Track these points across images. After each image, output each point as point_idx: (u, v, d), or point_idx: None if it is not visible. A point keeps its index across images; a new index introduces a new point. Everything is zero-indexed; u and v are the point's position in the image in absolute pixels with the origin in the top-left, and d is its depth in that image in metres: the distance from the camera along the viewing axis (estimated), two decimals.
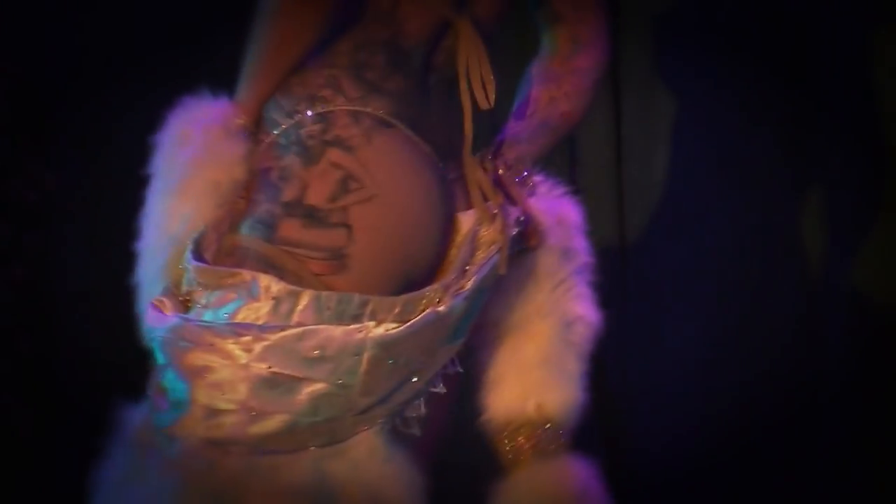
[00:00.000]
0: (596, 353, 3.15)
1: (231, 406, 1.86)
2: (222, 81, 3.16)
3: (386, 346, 1.88)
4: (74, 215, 3.24)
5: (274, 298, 1.86)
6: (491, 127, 2.16)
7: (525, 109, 2.15)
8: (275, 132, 1.96)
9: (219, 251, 1.93)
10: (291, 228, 1.90)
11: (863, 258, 3.09)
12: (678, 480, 3.15)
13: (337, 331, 1.85)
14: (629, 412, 3.24)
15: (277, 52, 1.96)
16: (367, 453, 1.90)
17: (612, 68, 3.11)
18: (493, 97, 2.01)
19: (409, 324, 1.88)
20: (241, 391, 1.86)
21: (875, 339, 3.07)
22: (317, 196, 1.90)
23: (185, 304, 1.92)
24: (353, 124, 1.93)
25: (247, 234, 1.92)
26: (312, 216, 1.90)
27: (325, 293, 1.86)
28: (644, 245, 3.26)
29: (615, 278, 3.23)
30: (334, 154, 1.92)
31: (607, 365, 3.24)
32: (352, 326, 1.86)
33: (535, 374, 2.06)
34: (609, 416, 3.24)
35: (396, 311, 1.89)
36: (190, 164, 1.94)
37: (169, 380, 1.89)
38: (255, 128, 1.98)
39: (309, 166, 1.91)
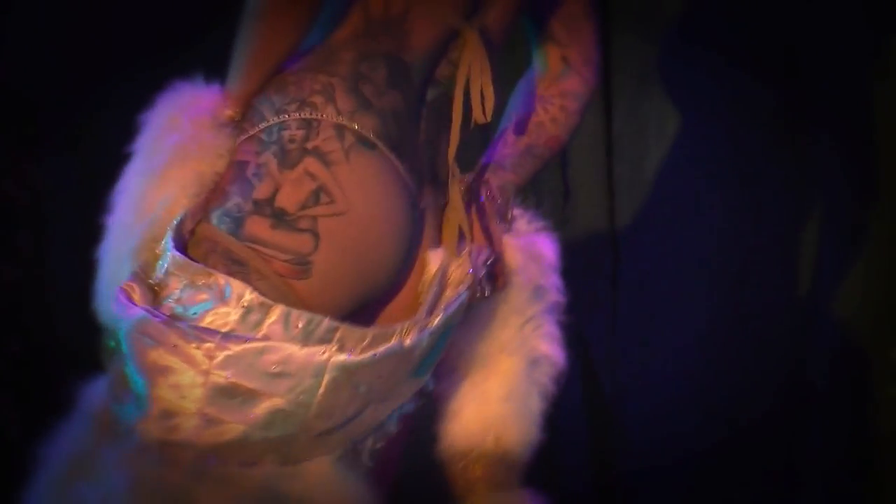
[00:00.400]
0: (587, 352, 3.18)
1: (187, 410, 1.85)
2: (215, 81, 3.18)
3: (347, 372, 1.87)
4: (66, 215, 3.23)
5: (244, 307, 1.85)
6: (482, 143, 2.17)
7: (509, 134, 2.15)
8: (259, 126, 1.94)
9: (191, 240, 1.92)
10: (259, 226, 1.89)
11: (854, 257, 3.09)
12: (667, 479, 3.15)
13: (300, 350, 1.85)
14: (619, 411, 3.25)
15: (269, 44, 1.94)
16: (322, 478, 1.90)
17: (603, 68, 3.11)
18: (490, 112, 2.00)
19: (372, 352, 1.88)
20: (199, 397, 1.84)
21: (866, 338, 3.08)
22: (287, 200, 1.89)
23: (154, 292, 1.91)
24: (335, 138, 1.92)
25: (215, 226, 1.91)
26: (281, 218, 1.89)
27: (295, 311, 1.85)
28: (635, 245, 3.27)
29: (606, 278, 3.24)
30: (312, 164, 1.91)
31: (597, 363, 3.24)
32: (315, 348, 1.85)
33: (497, 409, 2.07)
34: (599, 416, 3.24)
35: (365, 342, 1.89)
36: (175, 151, 1.93)
37: (130, 372, 1.88)
38: (243, 119, 1.97)
39: (284, 170, 1.90)
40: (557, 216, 3.15)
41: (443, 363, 2.06)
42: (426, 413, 2.09)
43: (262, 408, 1.85)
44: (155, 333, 1.85)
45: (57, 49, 3.21)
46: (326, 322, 1.86)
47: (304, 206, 1.89)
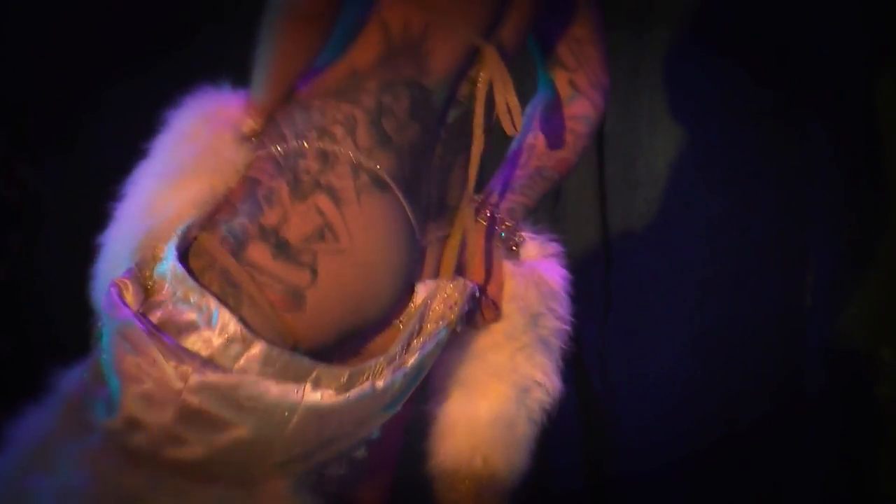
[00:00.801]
0: (579, 353, 3.19)
1: (153, 423, 1.86)
2: (207, 79, 3.18)
3: (318, 414, 1.88)
4: (57, 215, 3.23)
5: (227, 338, 1.86)
6: (489, 166, 2.17)
7: (519, 157, 2.15)
8: (278, 146, 1.95)
9: (192, 246, 1.92)
10: (261, 253, 1.89)
11: (848, 259, 3.10)
12: (658, 480, 3.15)
13: (274, 387, 1.85)
14: (610, 412, 3.25)
15: (289, 55, 1.94)
16: (277, 501, 1.91)
17: None
18: (519, 123, 1.99)
19: (345, 396, 1.89)
20: (167, 414, 1.85)
21: (857, 336, 3.08)
22: (293, 233, 1.89)
23: (146, 291, 1.91)
24: (349, 176, 1.92)
25: (218, 243, 1.91)
26: (283, 249, 1.89)
27: (276, 350, 1.86)
28: (627, 245, 3.27)
29: (597, 278, 3.24)
30: (322, 200, 1.91)
31: (589, 364, 3.24)
32: (290, 386, 1.86)
33: (485, 432, 2.07)
34: (590, 417, 3.24)
35: (342, 381, 1.90)
36: (191, 161, 1.94)
37: (107, 369, 1.89)
38: (263, 132, 1.97)
39: (295, 201, 1.90)
40: (548, 216, 3.15)
41: (432, 384, 2.08)
42: (417, 430, 2.10)
43: (227, 436, 1.86)
44: (137, 342, 1.86)
45: (48, 50, 3.20)
46: (306, 363, 1.87)
47: (307, 241, 1.89)
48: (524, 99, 2.07)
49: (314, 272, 1.89)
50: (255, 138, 1.96)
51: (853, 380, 3.09)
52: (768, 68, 3.14)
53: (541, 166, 2.15)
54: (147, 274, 1.91)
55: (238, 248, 1.89)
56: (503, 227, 2.12)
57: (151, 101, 3.15)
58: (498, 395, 2.08)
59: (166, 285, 1.89)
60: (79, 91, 3.19)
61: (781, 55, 3.13)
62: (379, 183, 1.93)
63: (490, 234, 2.11)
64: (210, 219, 1.92)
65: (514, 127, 1.99)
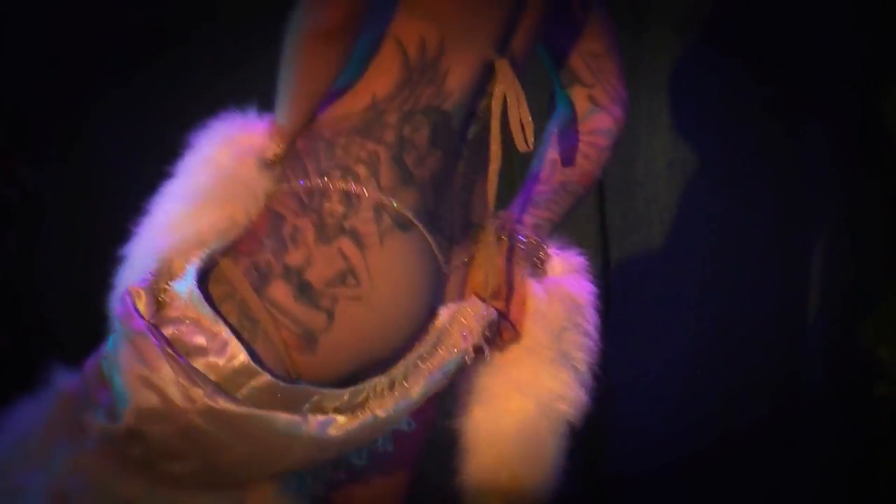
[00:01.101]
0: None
1: (155, 438, 1.87)
2: (203, 80, 3.17)
3: (320, 447, 1.91)
4: (55, 214, 3.23)
5: (234, 369, 1.87)
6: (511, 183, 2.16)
7: (542, 172, 2.15)
8: (301, 182, 1.95)
9: (214, 270, 1.93)
10: (282, 293, 1.91)
11: (847, 259, 3.10)
12: (657, 481, 3.15)
13: (281, 419, 1.88)
14: (610, 412, 3.25)
15: (309, 79, 1.95)
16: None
17: None
18: (531, 139, 1.99)
19: (347, 430, 1.91)
20: (170, 430, 1.87)
21: (854, 336, 3.08)
22: (316, 276, 1.91)
23: (159, 303, 1.91)
24: (373, 220, 1.93)
25: (241, 273, 1.93)
26: (305, 291, 1.91)
27: (282, 385, 1.88)
28: (625, 246, 3.27)
29: (596, 279, 3.24)
30: (346, 245, 1.92)
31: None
32: (295, 417, 1.89)
33: (510, 447, 2.07)
34: (590, 419, 3.24)
35: (343, 400, 1.92)
36: (213, 187, 1.95)
37: (111, 374, 1.89)
38: (285, 159, 1.97)
39: (320, 244, 1.92)
40: None
41: (455, 400, 2.08)
42: (442, 447, 2.10)
43: (227, 456, 1.89)
44: (149, 356, 1.87)
45: (46, 48, 3.20)
46: (307, 388, 1.90)
47: (329, 285, 1.91)
48: (539, 113, 2.06)
49: (331, 316, 1.91)
50: (279, 165, 1.96)
51: (852, 379, 3.09)
52: (767, 67, 3.14)
53: (565, 181, 2.15)
54: (162, 286, 1.92)
55: (261, 283, 1.91)
56: (527, 243, 2.11)
57: (149, 100, 3.16)
58: (521, 410, 2.07)
59: (181, 304, 1.90)
60: (78, 89, 3.18)
61: (780, 54, 3.13)
62: (402, 223, 1.94)
63: (513, 251, 2.10)
64: (234, 248, 1.94)
65: (527, 143, 1.99)
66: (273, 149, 1.96)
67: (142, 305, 1.90)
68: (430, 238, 1.97)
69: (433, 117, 1.96)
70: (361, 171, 1.94)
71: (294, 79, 1.94)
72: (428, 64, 1.96)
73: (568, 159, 2.15)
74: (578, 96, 2.16)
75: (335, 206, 1.92)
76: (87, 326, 3.23)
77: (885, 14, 3.02)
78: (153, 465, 1.88)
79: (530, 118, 1.99)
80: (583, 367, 2.11)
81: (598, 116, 2.16)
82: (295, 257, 1.91)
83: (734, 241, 3.19)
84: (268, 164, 1.95)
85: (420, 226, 1.96)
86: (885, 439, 3.05)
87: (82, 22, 3.19)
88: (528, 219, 2.12)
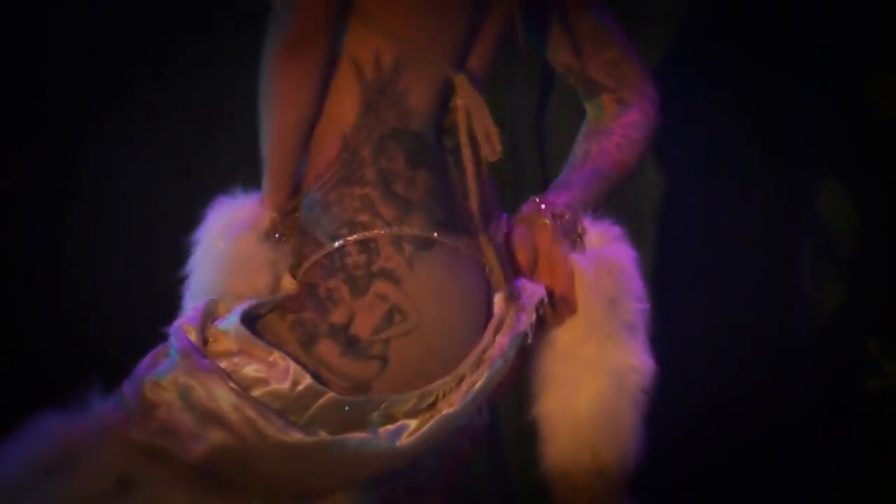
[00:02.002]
0: None
1: (226, 471, 1.90)
2: (190, 72, 3.17)
3: (393, 456, 1.93)
4: (43, 205, 3.22)
5: (300, 392, 1.90)
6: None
7: (575, 161, 2.17)
8: (319, 253, 1.98)
9: (261, 322, 1.96)
10: (329, 351, 1.94)
11: (837, 254, 3.10)
12: (651, 477, 3.15)
13: (351, 443, 1.90)
14: None
15: (282, 135, 1.99)
16: None
17: None
18: (498, 148, 2.01)
19: (419, 434, 1.92)
20: (241, 464, 1.89)
21: (845, 330, 3.09)
22: (362, 327, 1.94)
23: (206, 341, 1.94)
24: (396, 253, 1.96)
25: (287, 328, 1.96)
26: (353, 346, 1.93)
27: (349, 399, 1.91)
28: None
29: None
30: (381, 286, 1.95)
31: None
32: (365, 435, 1.91)
33: (589, 427, 2.06)
34: None
35: (410, 405, 1.93)
36: (218, 273, 2.00)
37: (181, 413, 1.91)
38: (286, 216, 2.02)
39: (356, 297, 1.94)
40: None
41: (526, 391, 2.09)
42: (528, 435, 2.10)
43: (299, 482, 1.92)
44: (217, 393, 1.89)
45: (32, 39, 3.19)
46: (373, 401, 1.92)
47: (377, 331, 1.94)
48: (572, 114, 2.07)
49: (384, 361, 1.94)
50: (278, 229, 2.01)
51: (842, 373, 3.09)
52: (762, 64, 3.14)
53: (597, 168, 2.15)
54: (209, 324, 1.95)
55: (308, 341, 1.94)
56: (562, 220, 2.11)
57: (137, 94, 3.14)
58: (594, 388, 2.07)
59: (227, 339, 1.93)
60: (65, 81, 3.18)
61: (775, 50, 3.14)
62: (422, 243, 1.97)
63: (550, 230, 2.10)
64: (279, 305, 1.97)
65: (494, 152, 2.01)
66: (267, 218, 2.00)
67: (195, 340, 1.92)
68: (454, 243, 1.99)
69: (404, 141, 1.99)
70: (364, 217, 1.96)
71: (273, 111, 1.97)
72: (386, 82, 1.98)
73: (601, 150, 2.16)
74: (608, 101, 2.19)
75: (357, 259, 1.95)
76: (75, 318, 3.23)
77: (882, 9, 3.02)
78: (224, 490, 1.90)
79: (495, 128, 2.02)
80: (643, 334, 2.12)
81: (627, 112, 2.18)
82: (338, 316, 1.94)
83: (725, 235, 3.20)
84: (268, 234, 2.00)
85: (440, 237, 1.98)
86: (874, 432, 3.05)
87: (69, 12, 3.18)
88: (561, 199, 2.11)
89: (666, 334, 3.16)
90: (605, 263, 2.10)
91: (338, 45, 1.98)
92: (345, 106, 1.99)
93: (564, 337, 2.08)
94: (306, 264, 1.98)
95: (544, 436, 2.08)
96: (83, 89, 3.17)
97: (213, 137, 3.17)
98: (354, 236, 1.96)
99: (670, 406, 3.14)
